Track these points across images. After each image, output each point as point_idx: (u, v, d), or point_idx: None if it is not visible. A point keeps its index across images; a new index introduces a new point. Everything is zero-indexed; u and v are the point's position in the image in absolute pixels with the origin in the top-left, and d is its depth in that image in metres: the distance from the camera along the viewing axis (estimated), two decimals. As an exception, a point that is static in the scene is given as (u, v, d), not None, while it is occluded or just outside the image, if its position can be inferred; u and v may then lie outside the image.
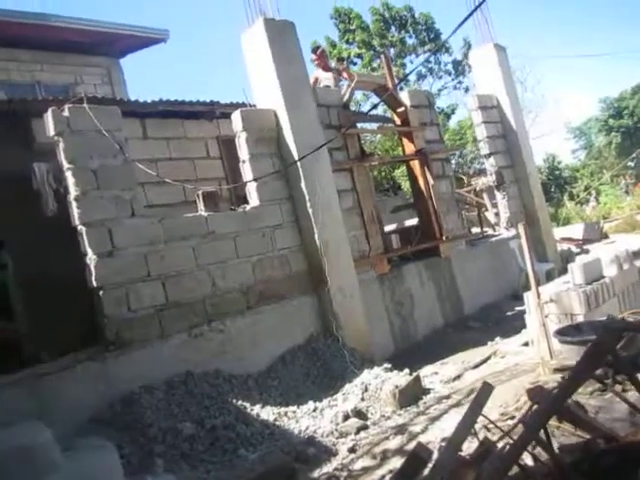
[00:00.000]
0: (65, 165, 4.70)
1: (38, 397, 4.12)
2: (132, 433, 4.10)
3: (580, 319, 5.01)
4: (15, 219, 5.39)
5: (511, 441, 2.06)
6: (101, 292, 4.60)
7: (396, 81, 8.78)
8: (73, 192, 4.67)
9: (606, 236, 12.18)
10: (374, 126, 10.57)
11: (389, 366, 5.37)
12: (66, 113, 4.73)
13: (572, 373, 2.04)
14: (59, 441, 3.30)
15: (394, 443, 4.01)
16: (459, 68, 19.39)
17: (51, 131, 4.70)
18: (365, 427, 4.42)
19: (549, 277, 7.76)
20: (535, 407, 2.24)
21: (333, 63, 9.09)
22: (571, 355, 4.39)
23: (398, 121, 8.11)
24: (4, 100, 6.43)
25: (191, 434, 4.14)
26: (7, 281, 5.23)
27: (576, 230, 12.02)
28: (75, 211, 4.66)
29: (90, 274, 4.62)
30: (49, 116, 4.68)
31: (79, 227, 4.67)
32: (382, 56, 9.81)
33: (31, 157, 5.39)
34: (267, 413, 4.64)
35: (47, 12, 9.50)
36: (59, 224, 4.85)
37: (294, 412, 4.75)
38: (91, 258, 4.63)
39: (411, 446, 3.87)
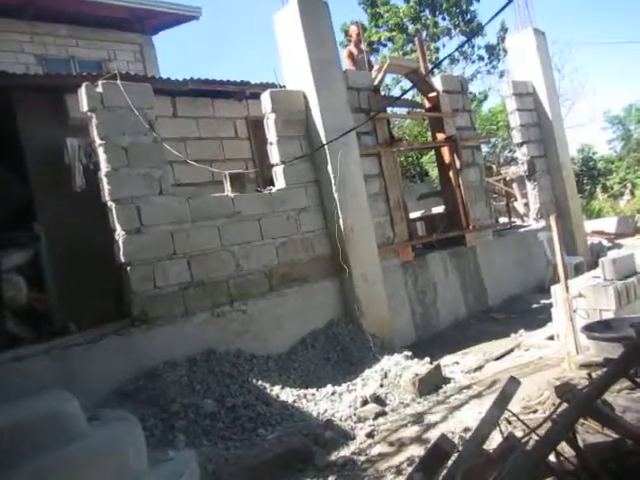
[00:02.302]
0: (97, 141, 4.75)
1: (66, 367, 4.23)
2: (155, 407, 4.18)
3: (610, 315, 4.89)
4: (49, 193, 5.49)
5: (536, 437, 2.02)
6: (128, 268, 4.67)
7: (429, 65, 8.61)
8: (104, 168, 4.73)
9: None
10: (404, 111, 10.39)
11: (410, 354, 5.35)
12: (99, 89, 4.77)
13: (607, 372, 1.99)
14: (84, 411, 3.39)
15: (412, 431, 4.00)
16: (493, 52, 18.90)
17: (84, 106, 4.75)
18: (383, 413, 4.42)
19: (578, 271, 7.58)
20: (564, 404, 2.20)
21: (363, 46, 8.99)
22: (599, 351, 4.30)
23: (429, 106, 7.97)
24: (40, 75, 6.53)
25: (212, 411, 4.21)
26: (40, 253, 5.34)
27: (609, 223, 11.72)
28: (105, 187, 4.72)
29: (118, 250, 4.69)
30: (83, 92, 4.73)
31: (109, 203, 4.73)
32: (416, 39, 9.61)
33: (65, 132, 5.48)
34: (287, 394, 4.68)
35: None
36: (91, 199, 4.93)
37: (313, 395, 4.78)
38: (120, 234, 4.69)
39: (429, 435, 3.87)
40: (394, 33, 17.78)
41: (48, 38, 9.81)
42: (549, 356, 5.06)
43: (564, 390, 2.31)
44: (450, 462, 1.83)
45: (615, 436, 2.43)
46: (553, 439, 1.80)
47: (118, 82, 4.86)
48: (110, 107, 4.79)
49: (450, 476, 1.68)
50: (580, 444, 2.35)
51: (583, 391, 2.03)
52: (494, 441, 2.74)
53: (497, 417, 2.01)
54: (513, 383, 2.12)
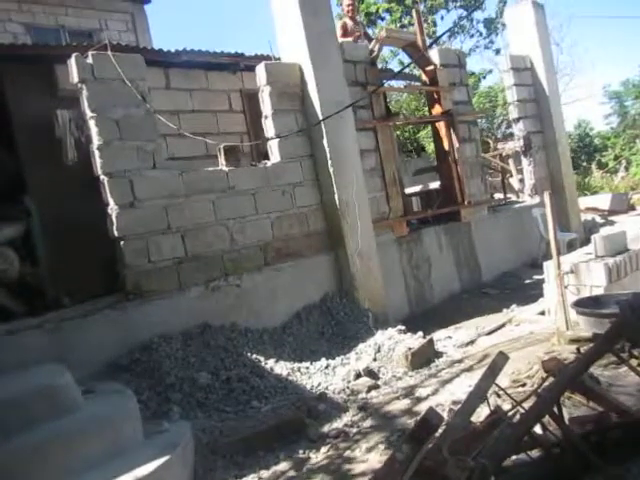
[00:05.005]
0: (88, 114, 4.68)
1: (59, 341, 4.25)
2: (150, 380, 4.23)
3: (600, 291, 4.94)
4: (40, 166, 5.43)
5: (522, 411, 2.07)
6: (122, 242, 4.66)
7: (427, 39, 8.48)
8: (96, 141, 4.67)
9: (633, 208, 11.88)
10: (401, 84, 10.28)
11: (403, 328, 5.41)
12: (90, 60, 4.67)
13: (591, 349, 2.02)
14: (79, 384, 3.43)
15: (404, 404, 4.07)
16: (492, 26, 18.61)
17: (74, 78, 4.66)
18: (376, 386, 4.49)
19: (570, 247, 7.63)
20: (550, 379, 2.24)
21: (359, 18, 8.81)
22: (587, 327, 4.36)
23: (426, 80, 7.87)
24: (28, 45, 6.38)
25: (206, 384, 4.26)
26: (32, 227, 5.31)
27: (603, 200, 11.74)
28: (97, 161, 4.67)
29: (112, 224, 4.67)
30: (72, 62, 4.63)
31: (101, 177, 4.69)
32: (413, 11, 9.43)
33: (55, 103, 5.38)
34: (281, 368, 4.73)
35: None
36: (83, 173, 4.88)
37: (307, 368, 4.84)
38: (113, 208, 4.67)
39: (420, 407, 3.93)
40: (392, 4, 17.43)
41: (36, 6, 9.55)
42: (539, 331, 5.13)
43: (551, 365, 2.35)
44: (438, 434, 1.88)
45: (600, 410, 2.48)
46: (537, 412, 1.84)
47: (109, 53, 4.76)
48: (101, 78, 4.70)
49: (437, 447, 1.72)
50: (566, 417, 2.41)
51: (569, 366, 2.07)
52: (483, 414, 2.79)
53: (484, 391, 2.05)
54: (501, 358, 2.15)
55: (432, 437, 1.77)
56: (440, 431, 1.87)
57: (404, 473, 1.59)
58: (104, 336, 4.44)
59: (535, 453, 2.35)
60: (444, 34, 15.79)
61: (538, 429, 2.44)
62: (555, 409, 2.27)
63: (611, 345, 2.01)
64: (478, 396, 1.99)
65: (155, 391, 4.15)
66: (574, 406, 2.98)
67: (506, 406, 2.76)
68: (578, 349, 4.08)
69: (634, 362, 3.45)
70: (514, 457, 2.40)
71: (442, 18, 18.02)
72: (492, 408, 2.09)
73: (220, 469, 3.42)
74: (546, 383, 2.24)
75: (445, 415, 3.30)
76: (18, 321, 4.45)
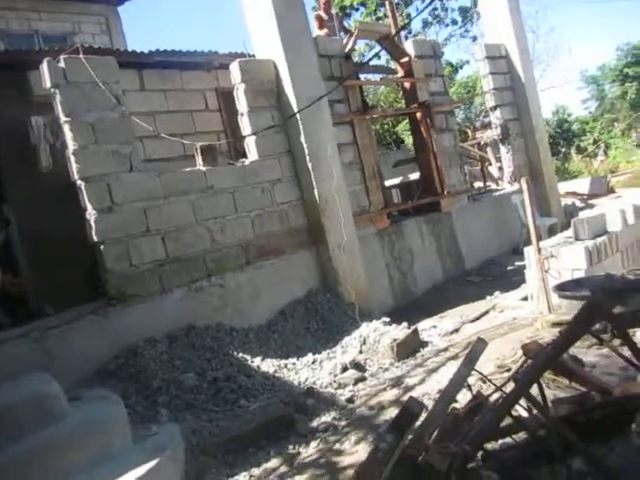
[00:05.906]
0: (62, 118, 4.62)
1: (46, 349, 4.21)
2: (136, 384, 4.21)
3: (581, 274, 5.01)
4: (17, 174, 5.34)
5: (503, 395, 2.10)
6: (102, 247, 4.62)
7: (401, 31, 8.49)
8: (71, 146, 4.61)
9: (613, 191, 12.05)
10: (377, 77, 10.30)
11: (388, 320, 5.44)
12: (62, 64, 4.60)
13: (565, 331, 2.06)
14: (66, 392, 3.40)
15: (391, 394, 4.10)
16: (467, 15, 18.69)
17: (47, 83, 4.60)
18: (363, 379, 4.52)
19: (551, 232, 7.73)
20: (529, 362, 2.28)
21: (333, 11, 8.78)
22: (570, 310, 4.42)
23: (401, 72, 7.89)
24: (1, 51, 6.27)
25: (194, 385, 4.25)
26: (11, 236, 5.24)
27: (582, 184, 11.90)
28: (73, 166, 4.62)
29: (90, 229, 4.62)
30: (44, 67, 4.56)
31: (78, 182, 4.64)
32: (387, 3, 9.44)
33: (29, 110, 5.30)
34: (267, 365, 4.74)
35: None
36: (61, 179, 4.81)
37: (294, 364, 4.85)
38: (91, 213, 4.62)
39: (408, 397, 3.97)
40: (366, -4, 17.41)
41: (10, 13, 9.36)
42: (523, 316, 5.19)
43: (530, 348, 2.39)
44: (420, 422, 1.90)
45: (583, 390, 2.53)
46: (515, 395, 1.87)
47: (81, 56, 4.70)
48: (74, 82, 4.64)
49: (418, 435, 1.74)
50: (550, 399, 2.45)
51: (544, 349, 2.11)
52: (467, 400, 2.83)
53: (464, 377, 2.07)
54: (479, 344, 2.18)
55: (414, 425, 1.80)
56: (422, 419, 1.89)
57: (387, 462, 1.61)
58: (89, 343, 4.40)
59: (522, 436, 2.38)
60: (414, 18, 15.80)
61: (525, 413, 2.47)
62: (538, 392, 2.31)
63: (586, 326, 2.05)
64: (458, 383, 2.02)
65: (142, 395, 4.13)
66: (559, 388, 3.02)
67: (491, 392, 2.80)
68: (561, 332, 4.14)
69: (616, 342, 3.51)
70: (500, 441, 2.44)
71: (417, 9, 18.04)
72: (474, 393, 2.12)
73: (211, 469, 3.42)
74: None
75: (431, 403, 3.33)
76: (3, 332, 4.39)
